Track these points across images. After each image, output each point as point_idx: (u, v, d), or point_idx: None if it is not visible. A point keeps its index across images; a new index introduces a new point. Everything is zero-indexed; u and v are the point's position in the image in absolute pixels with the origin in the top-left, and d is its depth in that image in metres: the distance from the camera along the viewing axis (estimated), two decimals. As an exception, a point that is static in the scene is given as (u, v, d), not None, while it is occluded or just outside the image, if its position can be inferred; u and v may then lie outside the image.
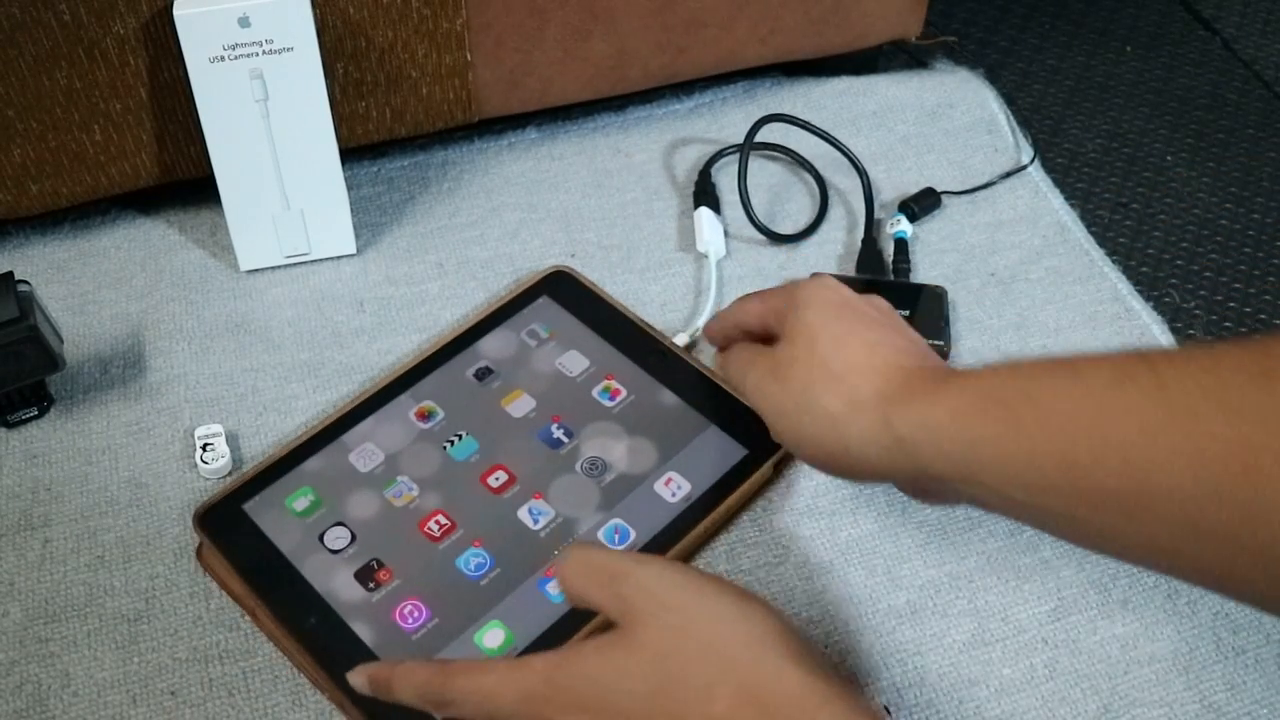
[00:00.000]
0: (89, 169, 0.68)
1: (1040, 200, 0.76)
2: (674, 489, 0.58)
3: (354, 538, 0.56)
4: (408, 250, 0.72)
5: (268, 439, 0.62)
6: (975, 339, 0.67)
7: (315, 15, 0.63)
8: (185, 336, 0.67)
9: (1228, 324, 0.73)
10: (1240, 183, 0.83)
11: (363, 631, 0.52)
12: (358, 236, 0.72)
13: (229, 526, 0.56)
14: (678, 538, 0.56)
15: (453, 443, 0.60)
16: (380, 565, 0.55)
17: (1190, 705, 0.52)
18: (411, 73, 0.70)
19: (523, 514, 0.57)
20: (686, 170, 0.77)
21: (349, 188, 0.75)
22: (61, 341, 0.61)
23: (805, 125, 0.74)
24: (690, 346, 0.66)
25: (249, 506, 0.57)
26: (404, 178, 0.77)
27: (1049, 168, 0.83)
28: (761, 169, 0.77)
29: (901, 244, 0.71)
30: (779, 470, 0.61)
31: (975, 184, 0.76)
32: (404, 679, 0.46)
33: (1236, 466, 0.38)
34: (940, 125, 0.81)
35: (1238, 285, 0.76)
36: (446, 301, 0.69)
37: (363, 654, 0.52)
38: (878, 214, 0.74)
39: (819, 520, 0.59)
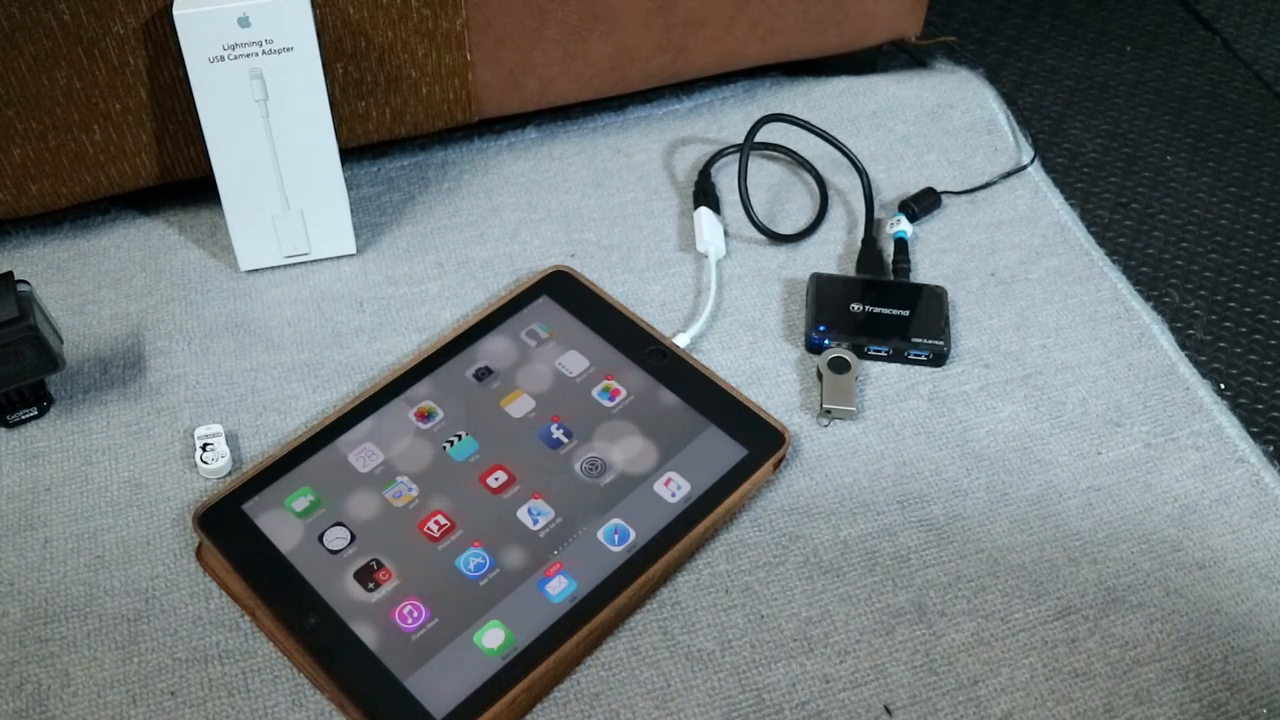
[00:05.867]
0: (89, 169, 0.68)
1: (1040, 200, 0.76)
2: (674, 489, 0.58)
3: (353, 538, 0.56)
4: (408, 250, 0.72)
5: (268, 439, 0.62)
6: (975, 339, 0.67)
7: (315, 15, 0.63)
8: (185, 336, 0.67)
9: (1227, 324, 0.73)
10: (1240, 183, 0.83)
11: (362, 631, 0.52)
12: (358, 236, 0.72)
13: (229, 526, 0.56)
14: (678, 538, 0.56)
15: (452, 443, 0.60)
16: (380, 565, 0.55)
17: (1190, 705, 0.52)
18: (411, 73, 0.70)
19: (522, 514, 0.57)
20: (686, 170, 0.77)
21: (349, 188, 0.75)
22: (61, 341, 0.62)
23: (805, 125, 0.74)
24: (690, 347, 0.66)
25: (249, 506, 0.57)
26: (404, 178, 0.77)
27: (1049, 168, 0.83)
28: (761, 169, 0.77)
29: (901, 244, 0.71)
30: (779, 470, 0.61)
31: (975, 184, 0.76)
32: None
33: None
34: (940, 125, 0.81)
35: (1238, 285, 0.76)
36: (446, 301, 0.69)
37: (363, 654, 0.52)
38: (878, 214, 0.74)
39: (819, 520, 0.59)
